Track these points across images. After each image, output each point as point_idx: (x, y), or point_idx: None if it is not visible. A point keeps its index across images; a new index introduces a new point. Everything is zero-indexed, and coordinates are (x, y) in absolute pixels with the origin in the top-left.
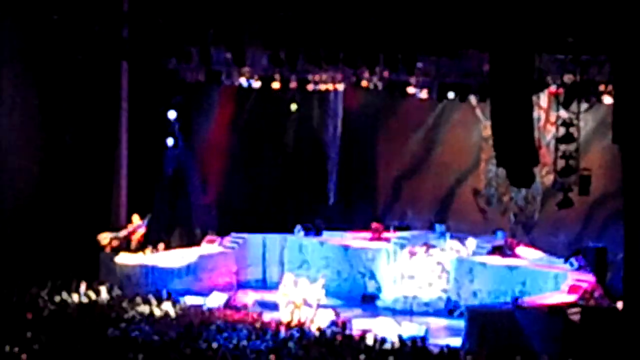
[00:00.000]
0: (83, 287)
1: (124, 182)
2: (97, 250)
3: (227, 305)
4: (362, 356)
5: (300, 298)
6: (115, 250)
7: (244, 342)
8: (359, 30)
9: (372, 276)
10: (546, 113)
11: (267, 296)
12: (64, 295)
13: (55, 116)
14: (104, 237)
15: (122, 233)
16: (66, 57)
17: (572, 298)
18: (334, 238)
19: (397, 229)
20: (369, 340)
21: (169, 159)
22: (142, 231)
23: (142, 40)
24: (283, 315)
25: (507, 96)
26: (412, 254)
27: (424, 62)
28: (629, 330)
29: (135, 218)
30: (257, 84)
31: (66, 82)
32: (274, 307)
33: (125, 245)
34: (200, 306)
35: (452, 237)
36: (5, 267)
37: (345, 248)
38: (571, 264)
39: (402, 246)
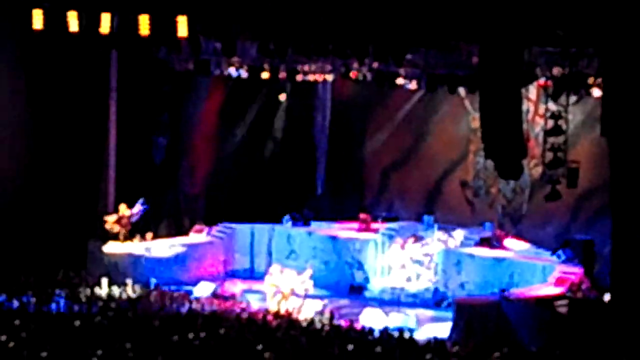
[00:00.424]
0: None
1: (112, 172)
2: (84, 240)
3: (215, 294)
4: (349, 346)
5: (288, 288)
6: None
7: None
8: (348, 21)
9: (360, 267)
10: (535, 105)
11: (255, 286)
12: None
13: (44, 106)
14: (111, 220)
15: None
16: (55, 46)
17: (559, 290)
18: (322, 228)
19: (385, 219)
20: (357, 331)
21: (158, 149)
22: (135, 217)
23: (131, 30)
24: (270, 305)
25: (496, 88)
26: (400, 245)
27: (413, 53)
28: (616, 322)
29: (123, 207)
30: (245, 74)
31: (55, 72)
32: (261, 296)
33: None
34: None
35: (439, 228)
36: None
37: (333, 238)
38: (559, 256)
39: (390, 237)
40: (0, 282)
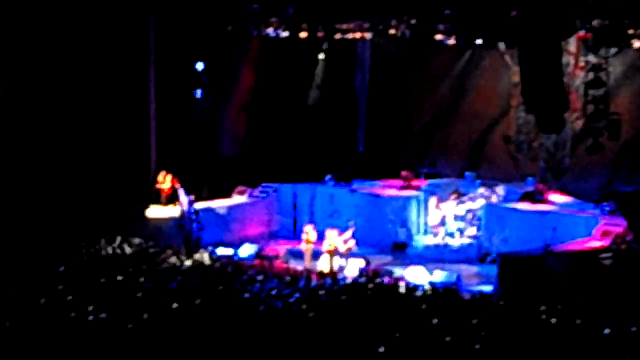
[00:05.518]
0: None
1: (153, 137)
2: (129, 204)
3: (259, 255)
4: (394, 304)
5: (328, 247)
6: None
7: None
8: None
9: (403, 224)
10: (575, 58)
11: (299, 246)
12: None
13: (84, 72)
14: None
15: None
16: (96, 13)
17: (603, 243)
18: (364, 187)
19: (427, 176)
20: (401, 288)
21: (198, 111)
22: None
23: None
24: (308, 264)
25: (536, 42)
26: (443, 201)
27: (451, 8)
28: None
29: (162, 175)
30: (284, 34)
31: (95, 38)
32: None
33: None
34: (232, 256)
35: (482, 184)
36: (41, 224)
37: (376, 196)
38: (602, 209)
39: (433, 193)
40: (48, 250)
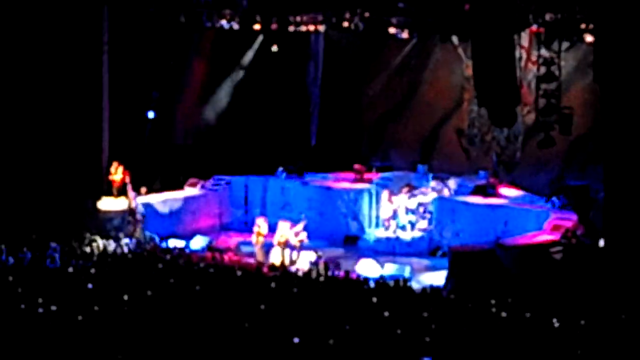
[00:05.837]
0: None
1: (105, 127)
2: (80, 196)
3: (210, 247)
4: (344, 296)
5: (279, 239)
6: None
7: None
8: None
9: (355, 217)
10: (527, 52)
11: (250, 238)
12: None
13: (35, 61)
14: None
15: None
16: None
17: (554, 236)
18: (317, 180)
19: (380, 169)
20: (352, 281)
21: (151, 103)
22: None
23: None
24: (259, 257)
25: (489, 35)
26: (394, 194)
27: (404, 2)
28: (610, 267)
29: (114, 167)
30: (237, 26)
31: (48, 26)
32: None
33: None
34: (183, 248)
35: (434, 177)
36: None
37: (328, 189)
38: (553, 203)
39: (385, 187)
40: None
